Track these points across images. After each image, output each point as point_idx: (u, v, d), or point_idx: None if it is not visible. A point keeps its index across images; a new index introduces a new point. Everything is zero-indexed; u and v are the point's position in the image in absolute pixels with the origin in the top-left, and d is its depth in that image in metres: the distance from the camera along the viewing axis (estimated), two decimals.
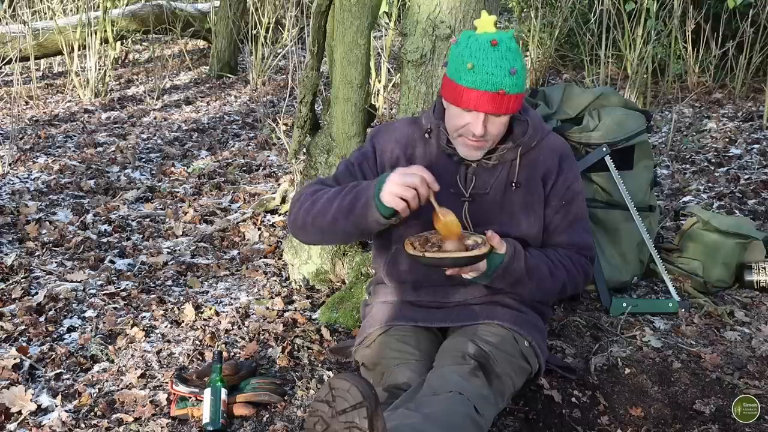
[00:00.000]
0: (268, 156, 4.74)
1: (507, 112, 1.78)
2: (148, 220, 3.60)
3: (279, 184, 4.01)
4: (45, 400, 2.10)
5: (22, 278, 2.86)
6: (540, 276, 1.91)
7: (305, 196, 1.89)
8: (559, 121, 2.72)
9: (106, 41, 6.64)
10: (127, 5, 7.11)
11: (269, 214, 3.64)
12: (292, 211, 1.90)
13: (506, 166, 1.94)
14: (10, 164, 4.35)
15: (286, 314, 2.60)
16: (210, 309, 2.63)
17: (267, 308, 2.65)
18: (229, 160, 4.67)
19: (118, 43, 7.10)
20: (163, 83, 6.76)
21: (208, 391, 1.99)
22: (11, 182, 4.03)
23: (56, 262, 3.04)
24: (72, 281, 2.85)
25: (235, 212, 3.72)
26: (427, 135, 1.96)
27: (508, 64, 1.73)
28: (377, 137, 2.01)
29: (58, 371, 2.26)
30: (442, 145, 1.93)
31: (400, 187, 1.69)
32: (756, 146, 4.53)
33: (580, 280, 2.00)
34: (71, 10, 7.46)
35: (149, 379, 2.21)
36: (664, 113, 5.37)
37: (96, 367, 2.29)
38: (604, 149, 2.63)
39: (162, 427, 1.98)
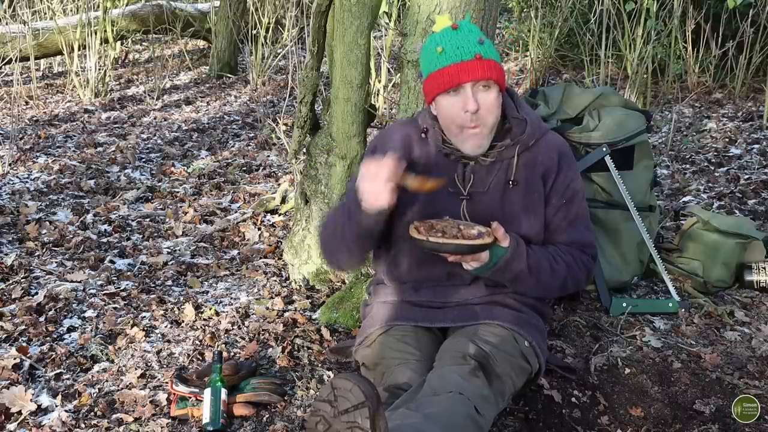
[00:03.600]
0: (268, 156, 4.74)
1: (491, 77, 1.81)
2: (148, 220, 3.60)
3: (279, 184, 4.01)
4: (45, 400, 2.10)
5: (22, 278, 2.86)
6: (541, 271, 1.91)
7: (322, 226, 2.05)
8: (559, 121, 2.72)
9: (106, 41, 6.64)
10: (127, 5, 7.10)
11: (269, 214, 3.65)
12: (321, 243, 2.05)
13: (504, 164, 1.94)
14: (10, 164, 4.35)
15: (286, 314, 2.60)
16: (210, 309, 2.63)
17: (267, 308, 2.65)
18: (229, 160, 4.67)
19: (118, 43, 7.09)
20: (163, 83, 6.76)
21: (208, 391, 1.99)
22: (11, 182, 4.03)
23: (56, 262, 3.04)
24: (72, 281, 2.85)
25: (235, 212, 3.72)
26: (423, 135, 1.96)
27: (475, 37, 1.83)
28: (376, 152, 2.02)
29: (58, 371, 2.26)
30: (439, 144, 1.94)
31: (368, 185, 1.76)
32: (756, 146, 4.53)
33: (582, 277, 2.00)
34: (71, 10, 7.47)
35: (149, 379, 2.21)
36: (664, 113, 5.37)
37: (96, 367, 2.29)
38: (604, 149, 2.63)
39: (162, 427, 1.98)
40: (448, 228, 1.79)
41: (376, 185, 1.75)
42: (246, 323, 2.54)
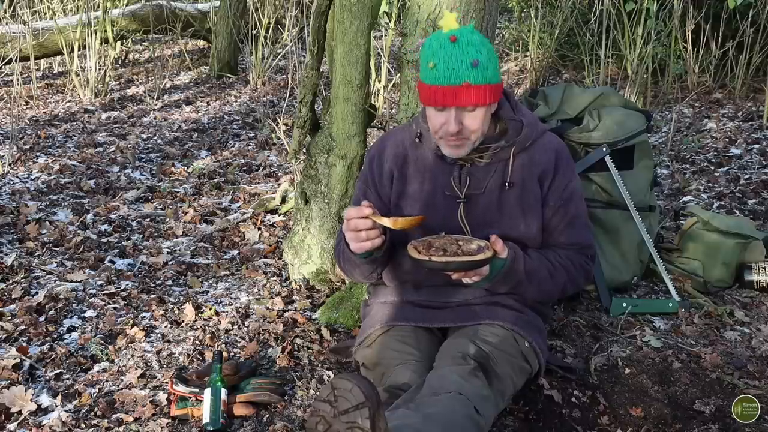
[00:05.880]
0: (268, 156, 4.74)
1: (477, 103, 1.76)
2: (148, 220, 3.60)
3: (279, 184, 4.01)
4: (45, 400, 2.10)
5: (22, 278, 2.86)
6: (540, 279, 1.92)
7: (335, 251, 2.08)
8: (559, 121, 2.72)
9: (106, 41, 6.64)
10: (127, 5, 7.10)
11: (269, 214, 3.64)
12: (336, 263, 2.16)
13: (500, 166, 1.94)
14: (10, 164, 4.35)
15: (286, 314, 2.60)
16: (210, 309, 2.63)
17: (267, 308, 2.65)
18: (229, 160, 4.67)
19: (118, 43, 7.09)
20: (163, 83, 6.75)
21: (208, 391, 1.99)
22: (11, 182, 4.03)
23: (56, 262, 3.04)
24: (72, 281, 2.85)
25: (235, 212, 3.72)
26: (417, 139, 1.97)
27: (469, 57, 1.73)
28: (374, 160, 2.05)
29: (58, 371, 2.26)
30: (434, 147, 1.93)
31: (351, 235, 1.82)
32: (756, 146, 4.53)
33: (581, 280, 2.01)
34: (71, 10, 7.46)
35: (149, 379, 2.21)
36: (664, 113, 5.37)
37: (96, 367, 2.29)
38: (604, 149, 2.63)
39: (162, 427, 1.98)
40: (447, 245, 1.78)
41: (357, 236, 1.81)
42: (246, 323, 2.54)
